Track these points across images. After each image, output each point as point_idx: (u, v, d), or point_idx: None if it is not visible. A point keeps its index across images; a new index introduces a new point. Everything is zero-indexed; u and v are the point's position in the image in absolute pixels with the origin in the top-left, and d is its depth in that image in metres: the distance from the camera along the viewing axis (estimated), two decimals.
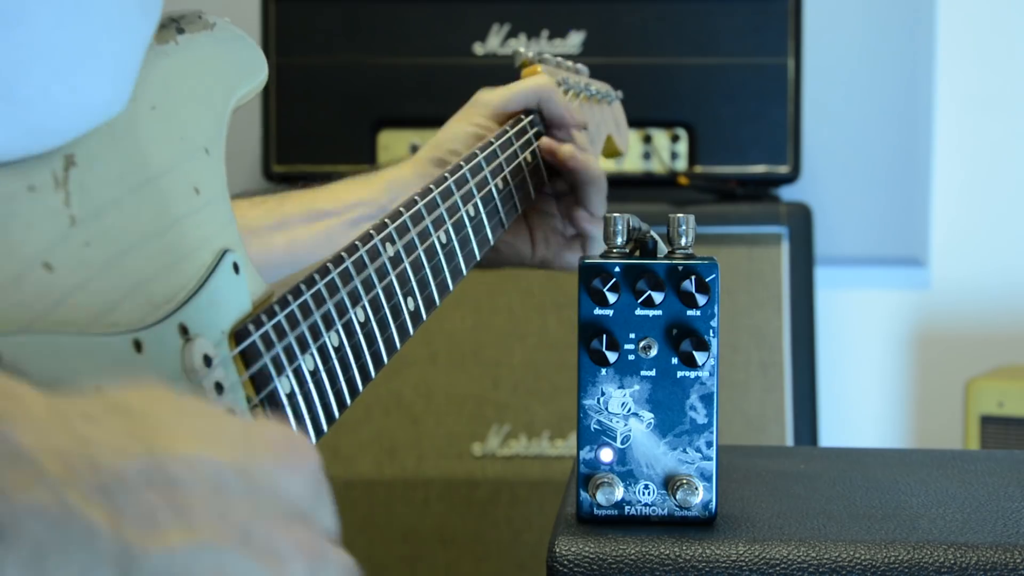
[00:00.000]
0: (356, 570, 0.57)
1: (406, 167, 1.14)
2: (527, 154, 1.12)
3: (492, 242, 1.02)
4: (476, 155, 1.03)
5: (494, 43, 2.04)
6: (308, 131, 2.07)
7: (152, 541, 0.48)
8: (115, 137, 0.64)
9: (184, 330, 0.64)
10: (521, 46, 1.25)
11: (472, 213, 0.99)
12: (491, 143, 1.07)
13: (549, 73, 1.20)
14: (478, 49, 2.04)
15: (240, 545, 0.51)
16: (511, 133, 1.11)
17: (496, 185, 1.05)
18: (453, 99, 2.05)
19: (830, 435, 2.26)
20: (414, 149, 2.05)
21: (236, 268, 0.70)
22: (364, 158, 2.05)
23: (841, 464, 1.01)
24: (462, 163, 1.00)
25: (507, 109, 1.16)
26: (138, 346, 0.60)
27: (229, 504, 0.51)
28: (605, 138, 1.31)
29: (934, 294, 2.31)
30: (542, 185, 1.16)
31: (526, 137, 1.13)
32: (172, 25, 0.71)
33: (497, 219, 1.04)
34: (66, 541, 0.45)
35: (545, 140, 1.15)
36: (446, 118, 2.03)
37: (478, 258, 0.98)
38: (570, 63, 1.28)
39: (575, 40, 2.04)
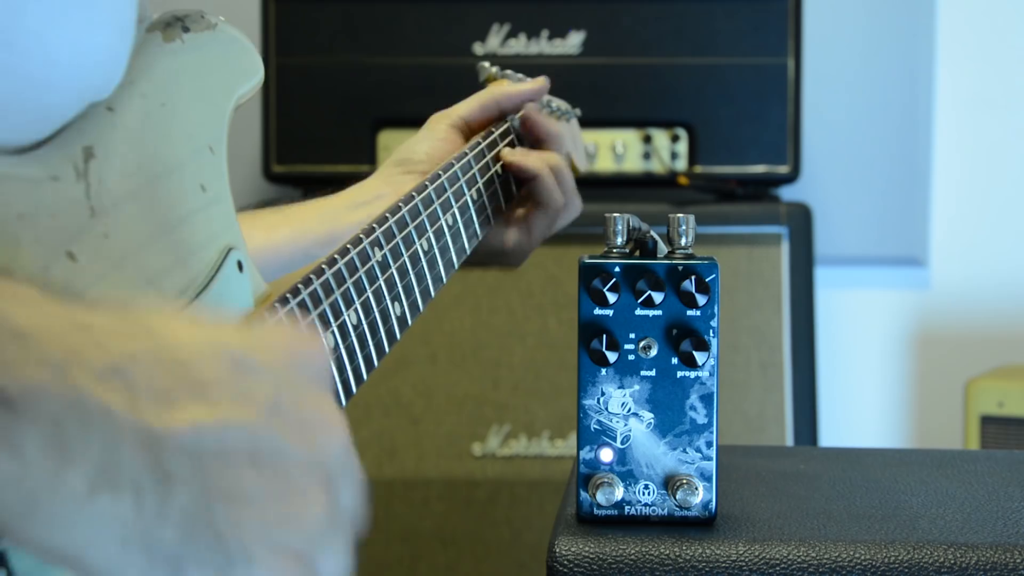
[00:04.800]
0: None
1: (374, 179, 1.13)
2: (498, 166, 1.11)
3: (468, 252, 1.02)
4: (452, 165, 1.02)
5: (494, 43, 2.04)
6: (308, 131, 2.07)
7: (173, 418, 0.46)
8: (129, 132, 0.66)
9: None
10: (486, 61, 1.24)
11: (450, 222, 0.99)
12: (465, 154, 1.06)
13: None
14: (478, 49, 2.04)
15: (268, 420, 0.49)
16: (483, 144, 1.10)
17: (471, 196, 1.04)
18: (453, 99, 2.05)
19: (830, 435, 2.26)
20: None
21: (240, 266, 0.71)
22: (364, 158, 2.05)
23: (841, 464, 1.01)
24: (440, 172, 1.00)
25: (471, 121, 1.16)
26: None
27: (249, 381, 0.49)
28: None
29: (934, 294, 2.31)
30: (511, 197, 1.14)
31: (497, 149, 1.12)
32: (178, 24, 0.72)
33: (472, 229, 1.04)
34: (83, 420, 0.44)
35: (504, 151, 1.13)
36: None
37: (456, 267, 0.99)
38: (530, 79, 1.28)
39: (575, 40, 2.04)
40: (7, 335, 0.44)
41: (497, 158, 1.11)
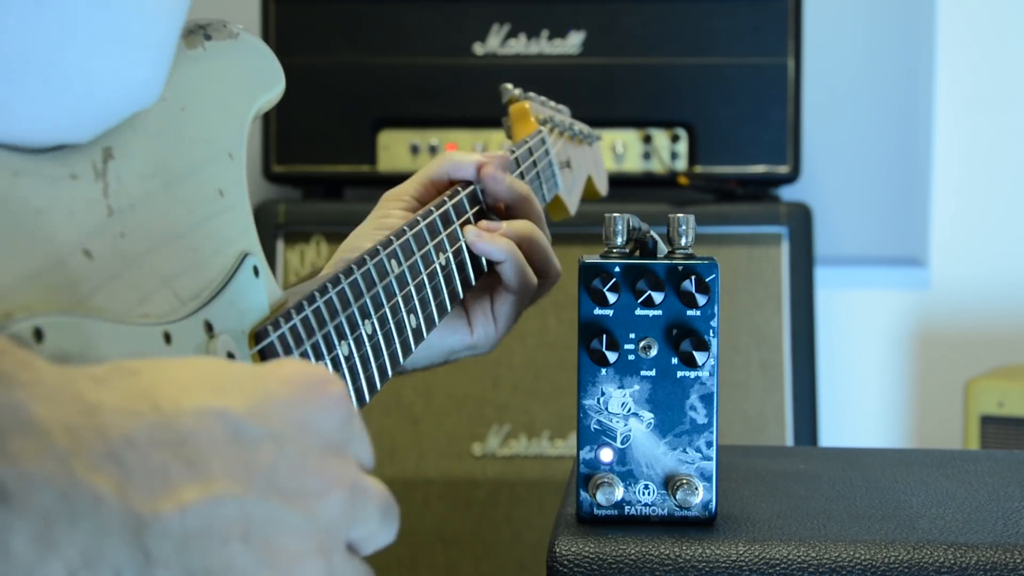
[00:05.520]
0: (393, 502, 0.57)
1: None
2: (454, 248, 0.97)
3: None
4: (459, 191, 0.97)
5: (494, 43, 2.04)
6: (308, 131, 2.07)
7: (164, 501, 0.48)
8: (148, 134, 0.67)
9: (209, 327, 0.66)
10: (509, 83, 1.21)
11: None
12: (458, 191, 0.98)
13: (535, 110, 1.19)
14: (478, 49, 2.04)
15: (264, 490, 0.51)
16: (463, 194, 0.98)
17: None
18: (453, 99, 2.06)
19: (830, 435, 2.26)
20: (414, 149, 2.05)
21: (256, 272, 0.72)
22: (364, 158, 2.05)
23: (841, 464, 1.01)
24: (459, 188, 0.99)
25: (425, 200, 1.01)
26: (168, 338, 0.62)
27: (248, 450, 0.51)
28: (586, 179, 1.30)
29: (934, 294, 2.31)
30: (477, 277, 1.00)
31: (454, 225, 0.97)
32: (200, 31, 0.73)
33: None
34: (73, 511, 0.46)
35: (467, 229, 0.98)
36: (446, 118, 2.05)
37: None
38: (553, 103, 1.27)
39: (575, 40, 2.04)
40: (18, 426, 0.46)
41: (454, 237, 0.96)
